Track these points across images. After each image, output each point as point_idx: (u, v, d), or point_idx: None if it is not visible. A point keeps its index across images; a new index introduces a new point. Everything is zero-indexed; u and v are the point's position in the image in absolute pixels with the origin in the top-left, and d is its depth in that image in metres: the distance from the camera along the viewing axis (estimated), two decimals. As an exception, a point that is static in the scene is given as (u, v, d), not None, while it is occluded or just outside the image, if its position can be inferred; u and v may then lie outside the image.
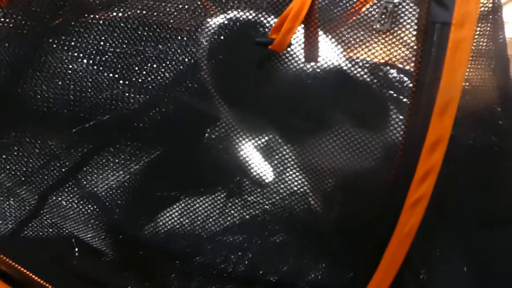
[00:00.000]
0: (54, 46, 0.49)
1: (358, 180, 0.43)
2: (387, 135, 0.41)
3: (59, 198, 0.53)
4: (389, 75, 0.44)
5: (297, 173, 0.48)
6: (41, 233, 0.56)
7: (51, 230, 0.56)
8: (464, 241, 0.61)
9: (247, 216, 0.54)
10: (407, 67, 0.42)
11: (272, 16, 0.44)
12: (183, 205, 0.55)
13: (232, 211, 0.54)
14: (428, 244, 0.58)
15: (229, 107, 0.47)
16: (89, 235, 0.56)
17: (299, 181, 0.48)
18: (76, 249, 0.56)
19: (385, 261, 0.43)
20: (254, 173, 0.50)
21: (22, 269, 0.59)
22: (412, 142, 0.39)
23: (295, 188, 0.49)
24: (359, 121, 0.44)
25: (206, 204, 0.54)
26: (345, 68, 0.44)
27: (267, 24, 0.44)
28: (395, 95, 0.44)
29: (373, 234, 0.43)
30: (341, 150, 0.43)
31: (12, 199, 0.54)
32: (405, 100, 0.40)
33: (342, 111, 0.45)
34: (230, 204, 0.54)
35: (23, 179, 0.52)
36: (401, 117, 0.40)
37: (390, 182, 0.41)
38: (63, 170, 0.52)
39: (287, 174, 0.49)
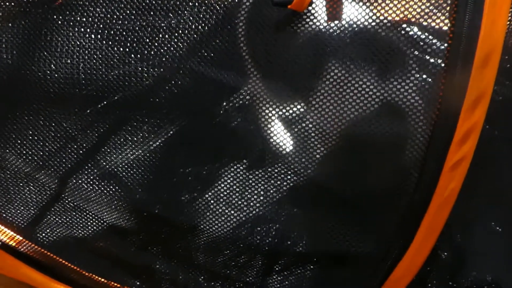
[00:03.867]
0: (60, 23, 0.46)
1: (391, 142, 0.40)
2: (422, 93, 0.38)
3: (80, 181, 0.52)
4: (420, 33, 0.40)
5: (323, 140, 0.45)
6: (64, 217, 0.56)
7: (74, 213, 0.55)
8: (499, 202, 0.58)
9: (272, 187, 0.52)
10: (439, 22, 0.38)
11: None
12: (205, 179, 0.53)
13: (256, 183, 0.52)
14: (464, 206, 0.56)
15: (251, 73, 0.44)
16: (113, 216, 0.55)
17: (325, 148, 0.45)
18: (101, 231, 0.55)
19: (423, 229, 0.41)
20: (278, 143, 0.48)
21: (48, 253, 0.59)
22: (451, 99, 0.36)
23: (320, 156, 0.47)
24: (390, 81, 0.41)
25: (229, 177, 0.53)
26: (372, 26, 0.40)
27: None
28: (428, 50, 0.40)
29: (409, 201, 0.41)
30: (371, 111, 0.40)
31: (31, 184, 0.53)
32: (440, 54, 0.37)
33: (370, 71, 0.42)
34: (253, 176, 0.52)
35: (40, 163, 0.51)
36: (437, 74, 0.37)
37: (428, 143, 0.38)
38: (81, 151, 0.50)
39: (312, 141, 0.46)
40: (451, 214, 0.57)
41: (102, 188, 0.52)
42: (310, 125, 0.44)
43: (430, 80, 0.38)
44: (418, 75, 0.38)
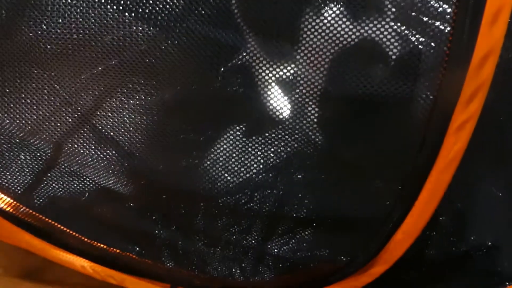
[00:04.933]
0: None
1: (393, 102, 0.39)
2: (428, 51, 0.36)
3: (75, 146, 0.51)
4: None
5: (319, 101, 0.44)
6: (61, 182, 0.55)
7: (71, 178, 0.54)
8: (500, 166, 0.58)
9: (271, 154, 0.51)
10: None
11: None
12: (203, 145, 0.52)
13: (254, 149, 0.51)
14: (465, 170, 0.55)
15: (247, 33, 0.43)
16: (110, 181, 0.54)
17: (323, 109, 0.44)
18: (99, 196, 0.55)
19: (426, 191, 0.41)
20: (275, 108, 0.47)
21: (46, 219, 0.59)
22: (458, 56, 0.34)
23: (318, 118, 0.46)
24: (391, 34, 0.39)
25: (227, 144, 0.52)
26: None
27: None
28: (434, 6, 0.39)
29: (413, 163, 0.40)
30: (372, 68, 0.39)
31: (26, 150, 0.52)
32: (448, 10, 0.35)
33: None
34: (252, 142, 0.51)
35: (34, 128, 0.50)
36: (443, 29, 0.36)
37: (433, 102, 0.37)
38: (76, 115, 0.49)
39: (309, 103, 0.45)
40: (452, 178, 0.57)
41: (99, 153, 0.51)
42: (305, 85, 0.43)
43: (436, 36, 0.36)
44: (424, 32, 0.36)
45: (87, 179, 0.54)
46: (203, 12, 0.42)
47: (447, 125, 0.37)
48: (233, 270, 0.60)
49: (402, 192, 0.42)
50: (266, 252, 0.57)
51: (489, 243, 0.54)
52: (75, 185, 0.55)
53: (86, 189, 0.55)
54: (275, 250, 0.56)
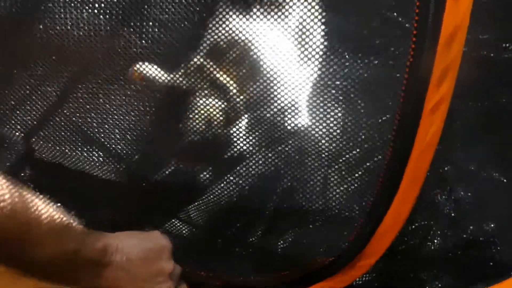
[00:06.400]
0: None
1: (366, 88, 0.39)
2: (395, 29, 0.35)
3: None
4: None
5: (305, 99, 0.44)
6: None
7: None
8: (503, 151, 0.56)
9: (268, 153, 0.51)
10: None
11: None
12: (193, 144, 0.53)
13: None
14: (464, 156, 0.54)
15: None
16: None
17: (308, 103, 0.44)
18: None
19: (407, 176, 0.40)
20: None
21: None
22: (425, 34, 0.33)
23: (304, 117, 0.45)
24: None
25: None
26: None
27: None
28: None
29: (392, 149, 0.39)
30: (346, 59, 0.38)
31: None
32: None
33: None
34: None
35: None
36: (409, 8, 0.35)
37: (404, 86, 0.36)
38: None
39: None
40: (449, 166, 0.55)
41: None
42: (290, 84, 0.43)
43: (404, 15, 0.36)
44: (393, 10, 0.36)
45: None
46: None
47: (422, 107, 0.36)
48: (233, 266, 0.60)
49: (384, 179, 0.41)
50: (264, 249, 0.57)
51: (491, 232, 0.52)
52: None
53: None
54: (273, 247, 0.56)
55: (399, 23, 0.36)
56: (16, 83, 0.49)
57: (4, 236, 0.31)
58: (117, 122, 0.48)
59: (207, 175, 0.57)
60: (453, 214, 0.55)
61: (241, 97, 0.47)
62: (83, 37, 0.45)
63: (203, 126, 0.50)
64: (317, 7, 0.39)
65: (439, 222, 0.56)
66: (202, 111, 0.50)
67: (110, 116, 0.48)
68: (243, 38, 0.42)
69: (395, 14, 0.37)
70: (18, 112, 0.50)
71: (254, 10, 0.41)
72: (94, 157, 0.51)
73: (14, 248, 0.32)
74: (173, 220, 0.59)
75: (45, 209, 0.34)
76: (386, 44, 0.37)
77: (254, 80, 0.43)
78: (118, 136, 0.49)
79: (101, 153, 0.50)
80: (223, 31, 0.41)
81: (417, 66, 0.35)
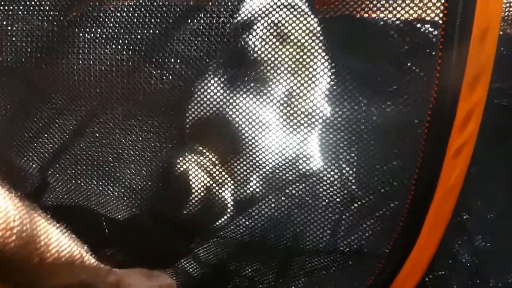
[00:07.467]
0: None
1: (388, 131, 0.38)
2: (416, 75, 0.35)
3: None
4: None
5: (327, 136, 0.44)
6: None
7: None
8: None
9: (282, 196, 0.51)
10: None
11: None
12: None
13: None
14: (484, 204, 0.52)
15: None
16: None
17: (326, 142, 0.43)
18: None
19: (429, 221, 0.38)
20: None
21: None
22: (449, 78, 0.33)
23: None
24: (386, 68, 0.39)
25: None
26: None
27: None
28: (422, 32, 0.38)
29: (414, 192, 0.38)
30: (367, 98, 0.38)
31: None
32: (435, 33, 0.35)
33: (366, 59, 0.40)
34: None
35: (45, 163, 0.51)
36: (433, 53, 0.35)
37: (427, 130, 0.35)
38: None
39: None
40: (470, 214, 0.54)
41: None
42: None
43: (425, 60, 0.36)
44: (410, 55, 0.36)
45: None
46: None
47: (444, 151, 0.35)
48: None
49: (405, 223, 0.40)
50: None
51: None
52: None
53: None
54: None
55: (421, 67, 0.36)
56: (34, 115, 0.50)
57: (17, 264, 0.30)
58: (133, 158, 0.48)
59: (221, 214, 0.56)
60: (473, 265, 0.52)
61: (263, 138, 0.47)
62: (104, 72, 0.46)
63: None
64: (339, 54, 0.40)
65: (458, 272, 0.53)
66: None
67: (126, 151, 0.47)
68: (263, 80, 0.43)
69: (417, 58, 0.37)
70: (35, 144, 0.50)
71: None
72: (108, 192, 0.50)
73: (27, 277, 0.32)
74: (183, 261, 0.58)
75: (60, 238, 0.34)
76: (407, 87, 0.37)
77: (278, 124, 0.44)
78: (133, 171, 0.49)
79: (116, 188, 0.50)
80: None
81: (439, 109, 0.34)
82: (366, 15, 0.40)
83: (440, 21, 0.34)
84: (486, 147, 0.50)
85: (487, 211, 0.54)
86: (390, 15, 0.35)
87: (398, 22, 0.36)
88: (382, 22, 0.37)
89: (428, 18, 0.36)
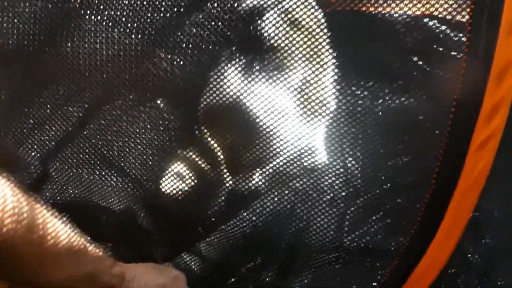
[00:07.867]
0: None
1: (412, 122, 0.37)
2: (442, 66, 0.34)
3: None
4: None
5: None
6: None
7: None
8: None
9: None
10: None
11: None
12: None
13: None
14: (494, 201, 0.51)
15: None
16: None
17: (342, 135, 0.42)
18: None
19: (449, 217, 0.37)
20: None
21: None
22: (476, 68, 0.32)
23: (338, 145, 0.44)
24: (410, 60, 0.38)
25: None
26: None
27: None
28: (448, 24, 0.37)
29: (434, 187, 0.37)
30: (390, 91, 0.37)
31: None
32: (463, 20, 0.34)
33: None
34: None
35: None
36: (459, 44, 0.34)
37: (451, 121, 0.34)
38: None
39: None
40: (479, 212, 0.53)
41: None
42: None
43: (451, 52, 0.35)
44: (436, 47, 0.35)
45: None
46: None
47: (468, 144, 0.34)
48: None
49: (424, 219, 0.39)
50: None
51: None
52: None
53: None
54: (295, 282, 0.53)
55: (447, 59, 0.35)
56: (37, 102, 0.48)
57: (21, 255, 0.29)
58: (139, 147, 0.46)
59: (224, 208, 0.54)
60: (481, 264, 0.52)
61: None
62: (111, 56, 0.44)
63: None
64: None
65: (466, 270, 0.53)
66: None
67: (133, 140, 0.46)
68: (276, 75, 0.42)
69: (443, 49, 0.36)
70: (36, 131, 0.48)
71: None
72: (111, 182, 0.48)
73: (31, 269, 0.30)
74: (184, 254, 0.56)
75: (63, 229, 0.32)
76: (432, 79, 0.36)
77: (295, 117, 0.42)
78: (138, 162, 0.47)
79: (120, 178, 0.48)
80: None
81: (465, 101, 0.34)
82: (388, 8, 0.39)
83: (468, 11, 0.33)
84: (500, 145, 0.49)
85: (498, 209, 0.54)
86: (419, 5, 0.35)
87: (424, 12, 0.35)
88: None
89: (455, 8, 0.35)
